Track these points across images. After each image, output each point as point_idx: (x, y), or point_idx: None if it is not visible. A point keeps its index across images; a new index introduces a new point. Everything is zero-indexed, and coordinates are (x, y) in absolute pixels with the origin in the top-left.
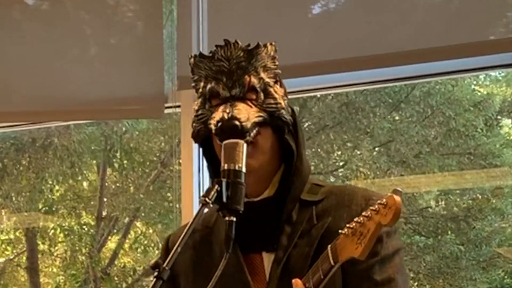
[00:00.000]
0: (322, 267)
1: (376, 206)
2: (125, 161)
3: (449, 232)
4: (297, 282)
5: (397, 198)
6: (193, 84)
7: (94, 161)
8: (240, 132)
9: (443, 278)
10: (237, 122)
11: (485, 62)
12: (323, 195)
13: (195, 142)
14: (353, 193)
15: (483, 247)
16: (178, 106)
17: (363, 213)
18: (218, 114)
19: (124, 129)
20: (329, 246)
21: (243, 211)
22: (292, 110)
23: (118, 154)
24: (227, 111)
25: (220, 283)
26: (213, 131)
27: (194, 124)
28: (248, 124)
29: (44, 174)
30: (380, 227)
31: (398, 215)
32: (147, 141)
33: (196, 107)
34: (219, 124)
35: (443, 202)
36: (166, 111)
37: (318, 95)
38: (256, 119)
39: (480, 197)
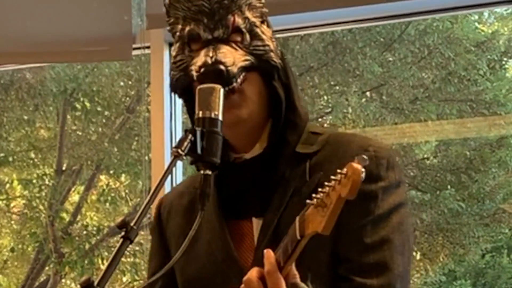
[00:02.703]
0: (290, 240)
1: (338, 176)
2: (87, 107)
3: (449, 187)
4: (269, 254)
5: (357, 166)
6: (168, 28)
7: (53, 107)
8: (226, 78)
9: (442, 236)
10: (222, 67)
11: None
12: (319, 145)
13: (173, 92)
14: (349, 142)
15: (486, 202)
16: (148, 47)
17: (329, 183)
18: (199, 59)
19: (86, 71)
20: (298, 217)
21: (230, 172)
22: (282, 53)
23: (79, 100)
24: (210, 54)
25: (204, 249)
26: (195, 78)
27: (172, 72)
28: (234, 69)
29: (1, 119)
30: (342, 200)
31: (356, 187)
32: (112, 85)
33: (174, 53)
34: (202, 69)
35: (442, 153)
36: (134, 52)
37: (301, 34)
38: (243, 63)
39: (483, 147)
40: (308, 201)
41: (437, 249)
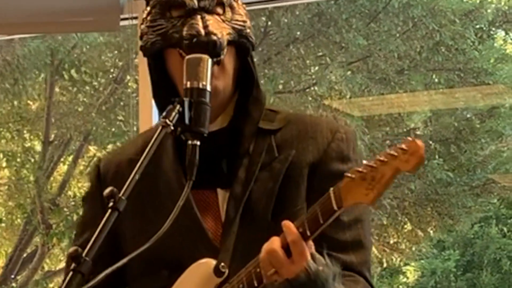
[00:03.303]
0: (322, 211)
1: (394, 151)
2: (75, 78)
3: (437, 157)
4: (288, 225)
5: (420, 143)
6: None
7: (40, 79)
8: (217, 49)
9: (431, 206)
10: (215, 38)
11: None
12: (281, 123)
13: (145, 56)
14: (316, 123)
15: (477, 172)
16: (135, 18)
17: (377, 157)
18: (190, 28)
19: (73, 42)
20: (331, 189)
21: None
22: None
23: (66, 71)
24: (200, 24)
25: (166, 218)
26: (185, 46)
27: (147, 36)
28: (224, 42)
29: None
30: (397, 173)
31: (421, 163)
32: (100, 55)
33: (150, 17)
34: (195, 39)
35: (430, 124)
36: (122, 23)
37: (287, 5)
38: (228, 37)
39: (472, 118)
40: (346, 174)
41: (426, 220)
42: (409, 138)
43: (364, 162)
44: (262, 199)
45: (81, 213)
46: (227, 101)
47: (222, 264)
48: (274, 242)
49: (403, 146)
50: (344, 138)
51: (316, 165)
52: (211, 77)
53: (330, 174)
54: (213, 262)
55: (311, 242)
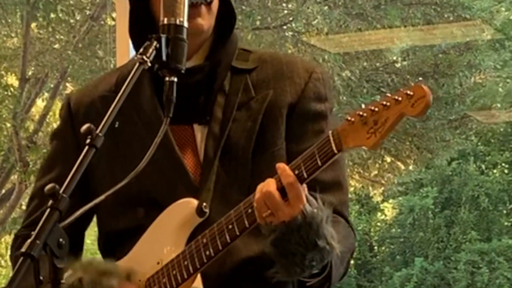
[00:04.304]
0: (320, 153)
1: (398, 96)
2: (51, 16)
3: None
4: (283, 167)
5: (426, 88)
6: None
7: (17, 16)
8: None
9: (410, 141)
10: None
11: None
12: (255, 63)
13: None
14: (291, 63)
15: (455, 106)
16: None
17: (379, 101)
18: None
19: None
20: (330, 132)
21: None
22: None
23: (42, 9)
24: None
25: (143, 154)
26: None
27: None
28: None
29: None
30: (401, 118)
31: (427, 108)
32: None
33: None
34: None
35: (408, 59)
36: None
37: None
38: None
39: (449, 52)
40: (347, 117)
41: (405, 154)
42: (416, 83)
43: (363, 106)
44: (241, 138)
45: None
46: (205, 39)
47: (205, 204)
48: (270, 184)
49: (408, 91)
50: (321, 78)
51: (294, 105)
52: (197, 15)
53: (308, 114)
54: (194, 202)
55: (305, 185)
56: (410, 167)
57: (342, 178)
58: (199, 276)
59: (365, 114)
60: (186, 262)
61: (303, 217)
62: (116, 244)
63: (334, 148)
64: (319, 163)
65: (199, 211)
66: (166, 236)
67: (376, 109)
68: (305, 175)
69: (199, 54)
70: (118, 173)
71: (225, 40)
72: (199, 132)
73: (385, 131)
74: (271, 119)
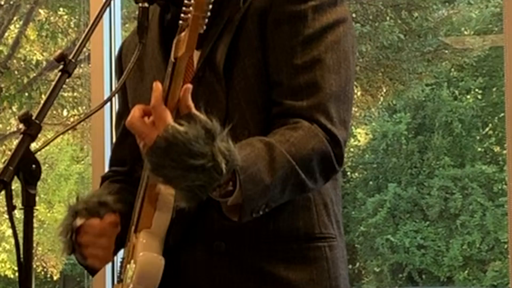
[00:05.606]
0: (170, 65)
1: None
2: None
3: (388, 18)
4: (156, 87)
5: None
6: None
7: None
8: None
9: (382, 71)
10: None
11: None
12: None
13: None
14: None
15: (429, 38)
16: None
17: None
18: None
19: None
20: (175, 39)
21: (170, 5)
22: None
23: None
24: None
25: (150, 87)
26: None
27: None
28: None
29: None
30: (196, 19)
31: (201, 2)
32: None
33: None
34: None
35: None
36: None
37: None
38: None
39: None
40: (180, 22)
41: (378, 85)
42: None
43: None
44: (222, 54)
45: None
46: None
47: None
48: (135, 112)
49: None
50: None
51: (266, 10)
52: None
53: (284, 16)
54: None
55: (187, 103)
56: (381, 100)
57: (320, 79)
58: None
59: (186, 17)
60: None
61: (164, 138)
62: None
63: (172, 57)
64: (169, 75)
65: None
66: None
67: (187, 10)
68: (166, 91)
69: None
70: (131, 102)
71: None
72: (196, 57)
73: (187, 35)
74: (246, 27)
